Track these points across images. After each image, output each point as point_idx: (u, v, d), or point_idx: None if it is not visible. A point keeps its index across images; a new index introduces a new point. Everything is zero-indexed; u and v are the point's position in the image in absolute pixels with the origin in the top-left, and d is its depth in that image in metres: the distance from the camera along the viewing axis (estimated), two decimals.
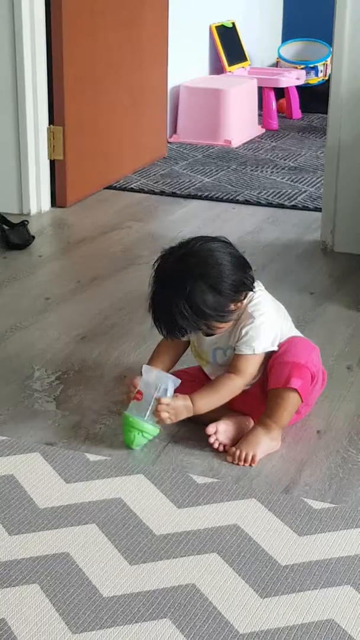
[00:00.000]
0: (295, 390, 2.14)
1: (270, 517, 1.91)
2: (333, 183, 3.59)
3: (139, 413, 2.13)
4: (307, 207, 4.18)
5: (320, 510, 1.94)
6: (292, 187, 4.52)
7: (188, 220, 4.01)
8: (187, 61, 5.62)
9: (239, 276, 2.11)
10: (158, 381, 2.13)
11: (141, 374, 2.16)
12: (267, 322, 2.15)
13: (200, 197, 4.31)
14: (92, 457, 2.12)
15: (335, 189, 3.59)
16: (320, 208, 3.78)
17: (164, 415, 2.11)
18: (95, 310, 3.00)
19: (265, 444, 2.14)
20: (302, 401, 2.17)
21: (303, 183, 4.59)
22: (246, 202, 4.25)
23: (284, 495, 1.99)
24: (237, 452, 2.12)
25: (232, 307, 2.13)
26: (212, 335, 2.20)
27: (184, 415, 2.14)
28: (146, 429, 2.13)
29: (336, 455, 2.17)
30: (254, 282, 2.17)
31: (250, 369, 2.16)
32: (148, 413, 2.12)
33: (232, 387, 2.16)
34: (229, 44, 6.02)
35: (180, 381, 2.15)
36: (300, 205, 4.20)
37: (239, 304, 2.14)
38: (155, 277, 2.12)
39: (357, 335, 2.82)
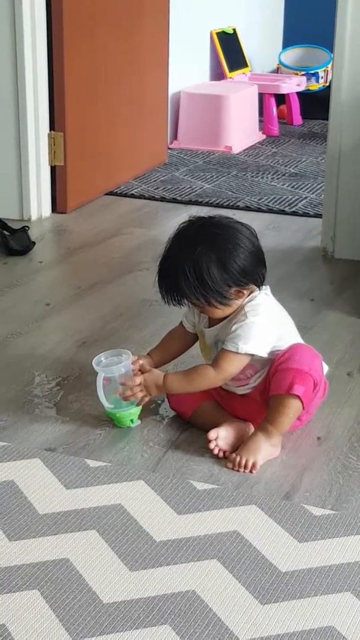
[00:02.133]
0: (298, 397, 2.13)
1: (270, 523, 1.91)
2: (334, 189, 3.60)
3: (119, 405, 2.25)
4: (308, 213, 4.19)
5: (321, 516, 1.94)
6: (292, 193, 4.52)
7: None
8: (187, 67, 5.63)
9: (251, 265, 2.12)
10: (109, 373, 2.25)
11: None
12: (259, 324, 2.14)
13: (200, 204, 4.32)
14: (92, 463, 2.12)
15: (335, 195, 3.59)
16: (321, 214, 3.78)
17: (139, 395, 2.20)
18: (96, 316, 3.00)
19: (266, 450, 2.14)
20: (303, 408, 2.17)
21: (304, 189, 4.60)
22: (247, 209, 4.25)
23: (284, 502, 1.99)
24: (238, 459, 2.12)
25: (233, 292, 2.13)
26: (206, 313, 2.20)
27: (154, 392, 2.21)
28: (133, 414, 2.28)
29: (336, 461, 2.16)
30: (264, 280, 2.18)
31: (229, 367, 2.15)
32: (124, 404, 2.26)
33: (206, 378, 2.16)
34: (229, 50, 6.03)
35: (130, 356, 2.24)
36: (300, 212, 4.21)
37: (240, 294, 2.14)
38: (175, 234, 2.17)
39: (358, 342, 2.82)
